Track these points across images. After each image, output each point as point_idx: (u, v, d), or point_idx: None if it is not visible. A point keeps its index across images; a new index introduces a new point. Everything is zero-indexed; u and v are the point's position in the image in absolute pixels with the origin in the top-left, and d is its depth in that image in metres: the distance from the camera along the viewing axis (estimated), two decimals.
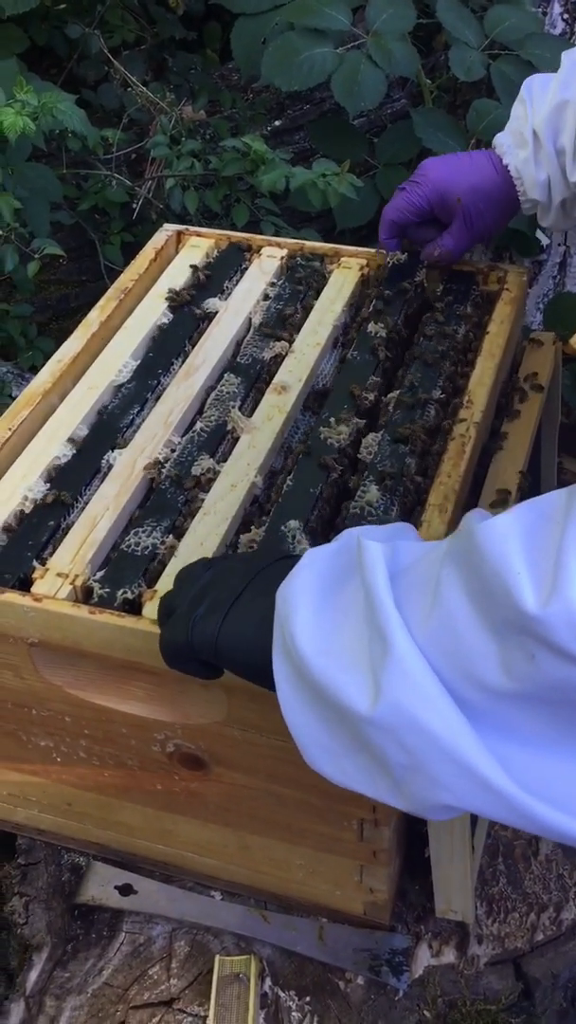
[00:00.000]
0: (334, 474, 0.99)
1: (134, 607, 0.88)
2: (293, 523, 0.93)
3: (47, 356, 1.84)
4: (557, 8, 1.98)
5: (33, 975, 1.02)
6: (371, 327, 1.15)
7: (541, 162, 1.12)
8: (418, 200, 1.16)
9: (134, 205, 1.84)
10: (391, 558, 0.68)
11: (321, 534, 0.95)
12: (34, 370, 1.78)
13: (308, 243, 1.29)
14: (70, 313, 1.98)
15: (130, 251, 1.87)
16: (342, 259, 1.26)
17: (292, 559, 0.76)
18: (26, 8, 1.78)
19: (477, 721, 0.62)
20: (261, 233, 1.68)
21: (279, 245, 1.28)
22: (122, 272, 1.26)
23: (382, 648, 0.64)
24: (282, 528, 0.93)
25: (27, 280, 1.65)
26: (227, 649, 0.74)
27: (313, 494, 0.97)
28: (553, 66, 1.64)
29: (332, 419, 1.04)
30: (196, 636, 0.74)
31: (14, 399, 1.09)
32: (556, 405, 1.25)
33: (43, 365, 1.13)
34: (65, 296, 1.99)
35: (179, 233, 1.30)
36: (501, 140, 1.16)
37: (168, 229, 1.31)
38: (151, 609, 0.87)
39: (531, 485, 1.17)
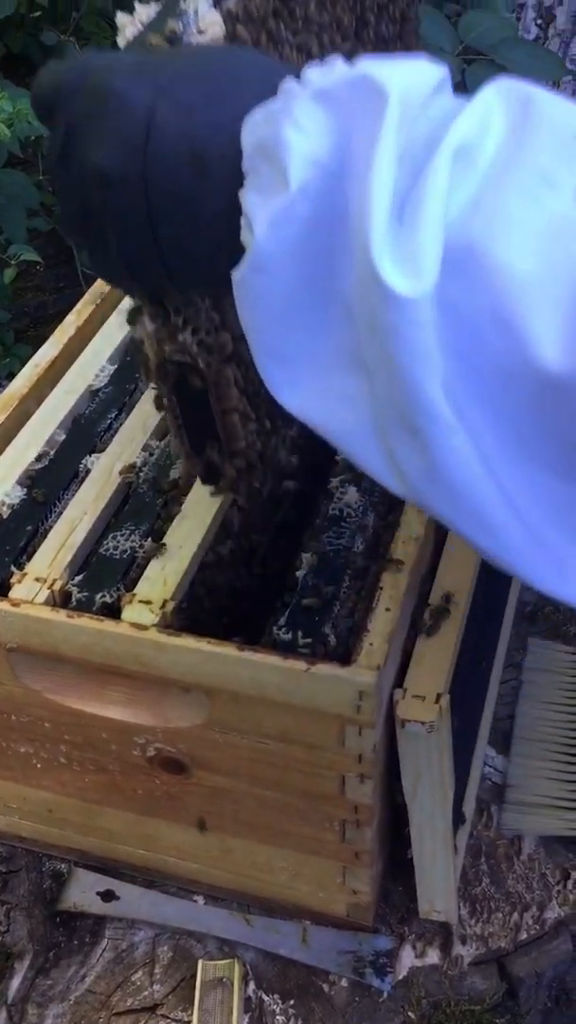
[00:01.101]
0: None
1: (113, 611, 0.88)
2: None
3: (24, 362, 1.83)
4: (531, 14, 2.00)
5: (15, 983, 1.02)
6: None
7: None
8: None
9: None
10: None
11: None
12: (11, 376, 1.77)
13: None
14: (47, 320, 1.97)
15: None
16: None
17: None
18: (1, 16, 1.78)
19: None
20: None
21: None
22: (97, 275, 1.26)
23: (420, 444, 0.48)
24: None
25: (4, 287, 1.65)
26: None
27: None
28: (527, 71, 1.66)
29: None
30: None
31: None
32: None
33: (20, 371, 1.13)
34: (42, 303, 1.99)
35: None
36: None
37: None
38: (130, 613, 0.86)
39: None
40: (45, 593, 0.89)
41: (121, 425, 1.05)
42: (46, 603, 0.88)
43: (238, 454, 0.79)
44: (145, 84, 0.52)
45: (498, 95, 0.47)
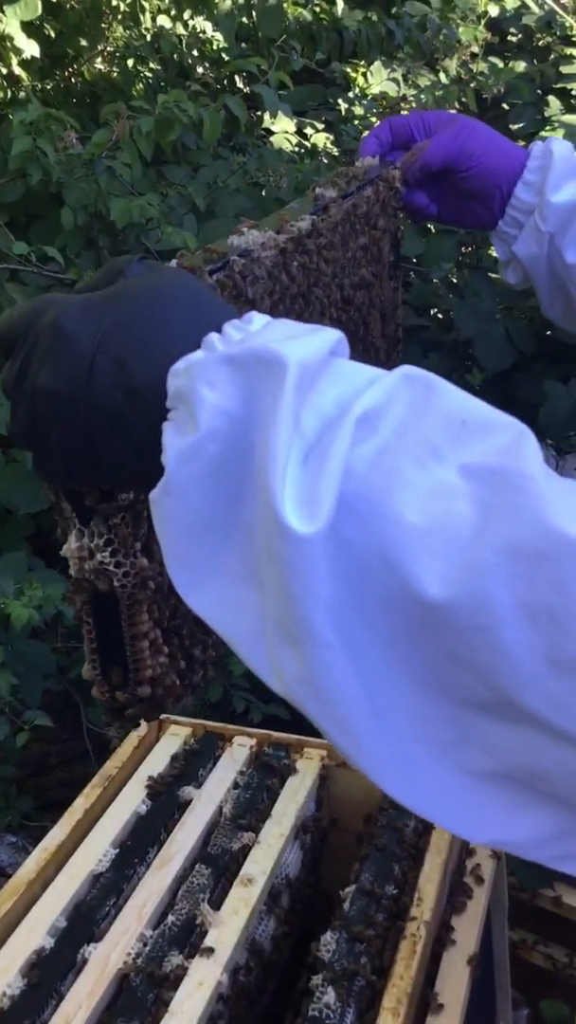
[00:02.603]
0: None
1: None
2: None
3: (23, 815, 1.93)
4: None
5: None
6: None
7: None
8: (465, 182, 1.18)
9: None
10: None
11: None
12: (10, 829, 1.86)
13: (275, 734, 1.44)
14: (49, 769, 2.10)
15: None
16: (305, 749, 1.41)
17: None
18: (38, 508, 2.09)
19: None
20: (233, 706, 1.86)
21: (249, 735, 1.44)
22: (100, 734, 1.39)
23: (299, 655, 0.56)
24: None
25: (15, 748, 1.78)
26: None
27: None
28: None
29: None
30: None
31: None
32: (502, 893, 1.34)
33: (18, 824, 1.23)
34: (46, 753, 2.12)
35: (160, 721, 1.46)
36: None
37: None
38: None
39: (483, 971, 1.24)
40: None
41: (119, 912, 1.14)
42: None
43: (143, 682, 0.80)
44: (90, 325, 0.62)
45: (406, 379, 0.59)
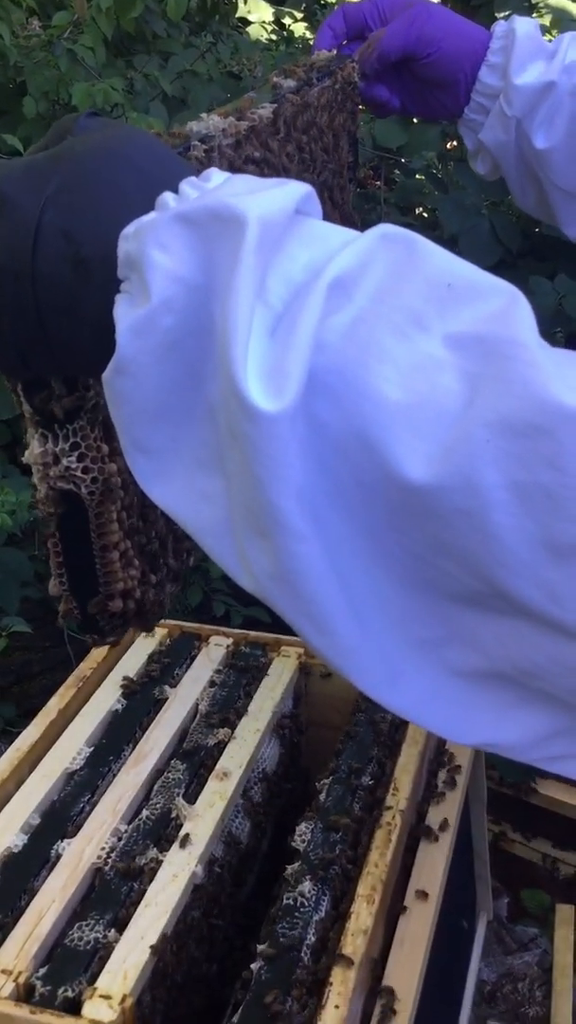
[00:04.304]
0: None
1: (74, 1006, 0.91)
2: None
3: (7, 721, 1.92)
4: None
5: None
6: None
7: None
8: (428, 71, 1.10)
9: None
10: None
11: None
12: None
13: (252, 633, 1.43)
14: (31, 677, 2.09)
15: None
16: (282, 648, 1.39)
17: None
18: (11, 415, 2.04)
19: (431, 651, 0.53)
20: (213, 610, 1.84)
21: (225, 635, 1.42)
22: (82, 640, 1.37)
23: (268, 547, 0.51)
24: None
25: None
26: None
27: None
28: None
29: None
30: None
31: None
32: (480, 784, 1.34)
33: (1, 730, 1.21)
34: (28, 661, 2.11)
35: None
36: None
37: None
38: (90, 1008, 0.90)
39: (462, 860, 1.24)
40: (11, 987, 0.92)
41: (93, 809, 1.13)
42: (11, 997, 0.92)
43: (115, 596, 0.76)
44: (33, 190, 0.56)
45: (384, 239, 0.53)
